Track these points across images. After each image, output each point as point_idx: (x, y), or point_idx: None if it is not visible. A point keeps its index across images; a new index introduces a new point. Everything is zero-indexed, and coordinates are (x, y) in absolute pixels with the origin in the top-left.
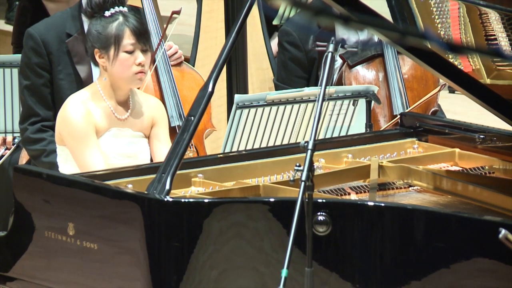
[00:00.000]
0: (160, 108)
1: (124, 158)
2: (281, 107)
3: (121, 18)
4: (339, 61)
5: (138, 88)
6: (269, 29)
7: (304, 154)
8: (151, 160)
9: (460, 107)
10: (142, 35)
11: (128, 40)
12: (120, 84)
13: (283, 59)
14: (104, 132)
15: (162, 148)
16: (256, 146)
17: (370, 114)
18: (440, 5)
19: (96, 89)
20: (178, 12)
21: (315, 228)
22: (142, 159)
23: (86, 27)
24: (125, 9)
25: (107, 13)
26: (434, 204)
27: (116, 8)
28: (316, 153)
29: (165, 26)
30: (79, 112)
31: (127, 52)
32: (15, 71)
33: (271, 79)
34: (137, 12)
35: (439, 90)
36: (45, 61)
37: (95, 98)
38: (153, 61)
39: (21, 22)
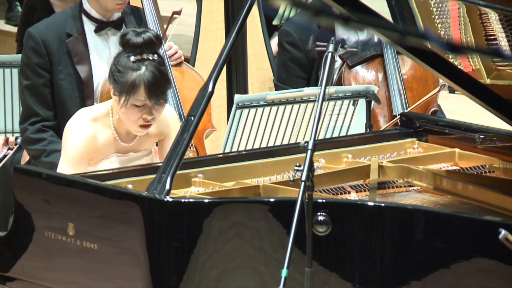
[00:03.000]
0: (170, 121)
1: None
2: (281, 107)
3: (142, 70)
4: (339, 61)
5: None
6: (269, 29)
7: (304, 154)
8: None
9: (460, 107)
10: (157, 92)
11: (140, 96)
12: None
13: (283, 59)
14: (104, 157)
15: None
16: (256, 146)
17: (370, 114)
18: (440, 5)
19: (108, 111)
20: (178, 13)
21: (315, 228)
22: None
23: (86, 27)
24: (155, 57)
25: (133, 58)
26: (434, 204)
27: (145, 55)
28: (316, 153)
29: (165, 26)
30: (82, 133)
31: (136, 106)
32: (15, 71)
33: (271, 79)
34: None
35: (439, 90)
36: (45, 61)
37: (104, 119)
38: None
39: (27, 20)
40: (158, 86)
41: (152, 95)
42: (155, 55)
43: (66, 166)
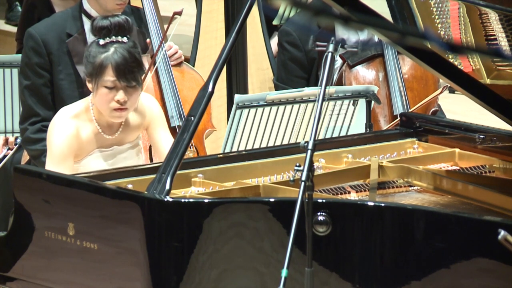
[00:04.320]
0: (150, 109)
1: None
2: (281, 107)
3: (111, 51)
4: (339, 61)
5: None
6: (269, 29)
7: (304, 154)
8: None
9: (460, 107)
10: (126, 72)
11: (108, 76)
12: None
13: (283, 59)
14: (88, 154)
15: (164, 145)
16: (256, 146)
17: (370, 114)
18: (440, 5)
19: (88, 105)
20: (179, 13)
21: (315, 228)
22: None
23: (86, 27)
24: (124, 39)
25: (101, 42)
26: (434, 204)
27: (113, 38)
28: (316, 153)
29: (166, 27)
30: (65, 130)
31: (106, 87)
32: (15, 71)
33: (271, 79)
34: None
35: (441, 92)
36: (45, 61)
37: (86, 114)
38: (153, 62)
39: (28, 19)
40: (127, 66)
41: (121, 75)
42: (125, 38)
43: (52, 165)
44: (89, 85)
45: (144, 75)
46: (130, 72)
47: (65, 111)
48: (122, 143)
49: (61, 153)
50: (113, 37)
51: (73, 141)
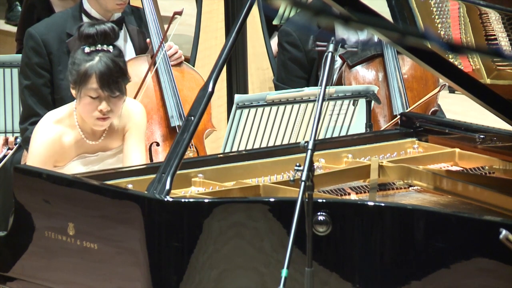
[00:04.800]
0: (133, 115)
1: None
2: (281, 107)
3: (95, 60)
4: (339, 61)
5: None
6: (269, 29)
7: (304, 154)
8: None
9: (460, 107)
10: (109, 82)
11: (92, 86)
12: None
13: (283, 59)
14: (71, 159)
15: (131, 155)
16: (256, 146)
17: (370, 114)
18: (440, 5)
19: (72, 111)
20: (180, 13)
21: (315, 228)
22: None
23: None
24: (110, 48)
25: (87, 49)
26: (434, 204)
27: (99, 47)
28: (316, 153)
29: (166, 27)
30: (46, 135)
31: (90, 96)
32: (15, 71)
33: (271, 79)
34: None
35: (439, 90)
36: (45, 61)
37: (69, 120)
38: (153, 62)
39: (27, 19)
40: (111, 76)
41: (104, 85)
42: (111, 47)
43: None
44: (73, 92)
45: (144, 75)
46: (114, 82)
47: (49, 116)
48: (107, 149)
49: (39, 158)
50: (99, 45)
51: (53, 147)
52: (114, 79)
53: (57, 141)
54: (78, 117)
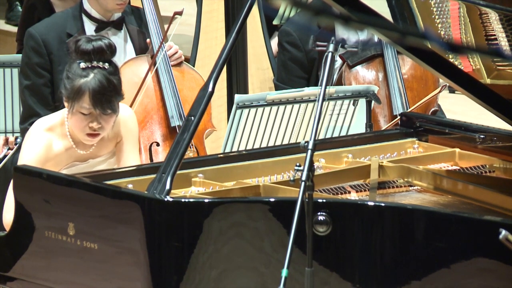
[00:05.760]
0: (126, 123)
1: None
2: (281, 107)
3: (90, 77)
4: (339, 61)
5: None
6: (269, 29)
7: (304, 154)
8: None
9: (460, 107)
10: (102, 101)
11: (85, 103)
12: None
13: (283, 59)
14: (62, 167)
15: (127, 162)
16: (256, 146)
17: (370, 114)
18: (440, 5)
19: (63, 119)
20: (180, 13)
21: (315, 228)
22: None
23: (87, 27)
24: (105, 65)
25: (82, 65)
26: (434, 204)
27: (94, 63)
28: (316, 153)
29: (167, 27)
30: (36, 143)
31: (82, 113)
32: (15, 71)
33: (271, 79)
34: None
35: (440, 91)
36: (45, 61)
37: (61, 128)
38: (153, 62)
39: (28, 19)
40: (104, 95)
41: (97, 104)
42: (107, 64)
43: None
44: (66, 105)
45: (144, 75)
46: (106, 101)
47: (40, 123)
48: (97, 156)
49: (29, 164)
50: (94, 62)
51: (42, 154)
52: (107, 98)
53: (47, 149)
54: (70, 126)
